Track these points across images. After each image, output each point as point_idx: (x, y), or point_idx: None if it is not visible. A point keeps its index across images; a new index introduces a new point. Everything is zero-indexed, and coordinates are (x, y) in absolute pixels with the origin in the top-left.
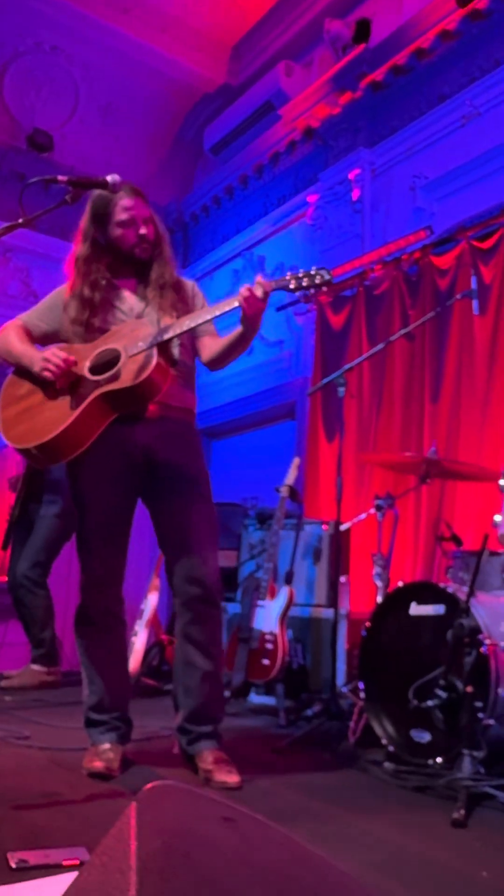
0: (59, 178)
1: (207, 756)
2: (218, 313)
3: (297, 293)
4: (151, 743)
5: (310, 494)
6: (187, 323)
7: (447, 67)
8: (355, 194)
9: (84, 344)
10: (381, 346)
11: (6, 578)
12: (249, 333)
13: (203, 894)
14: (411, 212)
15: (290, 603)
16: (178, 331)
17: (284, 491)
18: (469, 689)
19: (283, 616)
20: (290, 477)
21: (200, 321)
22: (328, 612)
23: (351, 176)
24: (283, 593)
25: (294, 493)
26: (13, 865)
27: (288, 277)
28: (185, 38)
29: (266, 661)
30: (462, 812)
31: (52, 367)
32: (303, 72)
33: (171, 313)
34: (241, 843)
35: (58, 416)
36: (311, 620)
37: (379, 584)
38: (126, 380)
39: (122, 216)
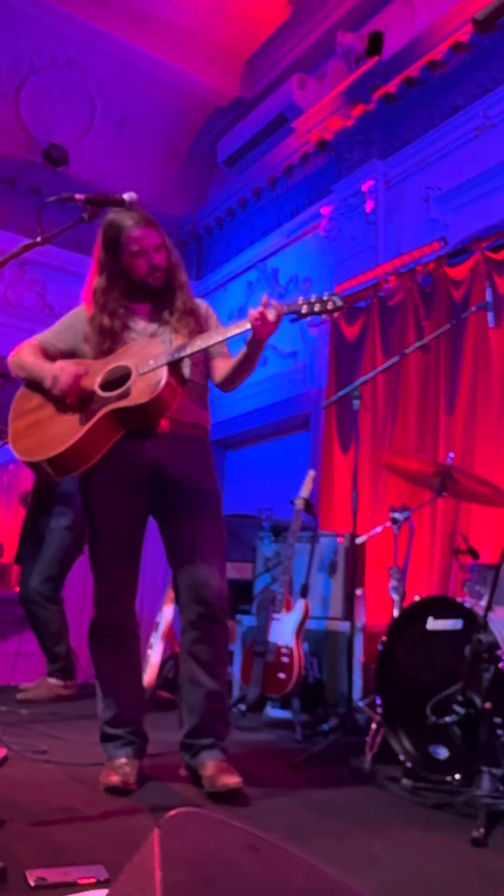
0: (77, 196)
1: (209, 764)
2: (230, 335)
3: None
4: (167, 758)
5: (325, 507)
6: (199, 343)
7: (460, 79)
8: (369, 206)
9: (96, 360)
10: (395, 358)
11: (18, 590)
12: (254, 355)
13: None
14: (425, 223)
15: (305, 616)
16: (191, 351)
17: (300, 503)
18: (488, 705)
19: (299, 629)
20: (305, 489)
21: (212, 343)
22: (344, 626)
23: (364, 188)
24: (299, 606)
25: (309, 505)
26: (32, 884)
27: (300, 302)
28: (199, 52)
29: (282, 675)
30: (482, 830)
31: (63, 385)
32: (316, 84)
33: (184, 335)
34: (266, 870)
35: (67, 430)
36: (327, 634)
37: (395, 597)
38: (135, 398)
39: (132, 247)
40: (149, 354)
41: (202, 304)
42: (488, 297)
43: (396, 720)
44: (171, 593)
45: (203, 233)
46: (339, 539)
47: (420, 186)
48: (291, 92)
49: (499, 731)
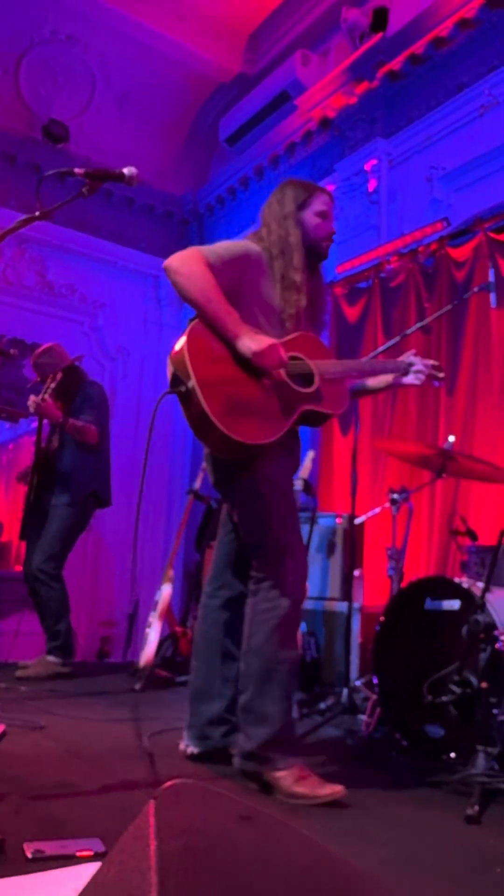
0: (76, 170)
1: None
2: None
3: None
4: (167, 735)
5: (324, 488)
6: (367, 368)
7: (466, 56)
8: (371, 185)
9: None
10: (396, 339)
11: (20, 568)
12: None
13: (225, 894)
14: (428, 203)
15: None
16: (359, 374)
17: (299, 484)
18: (484, 684)
19: None
20: (305, 470)
21: (375, 374)
22: (342, 606)
23: (367, 167)
24: None
25: (308, 486)
26: (29, 856)
27: (434, 364)
28: (201, 27)
29: None
30: (476, 808)
31: (266, 366)
32: (319, 61)
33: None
34: (260, 841)
35: (270, 418)
36: (325, 613)
37: (393, 577)
38: (329, 406)
39: (322, 207)
40: (322, 357)
41: None
42: (491, 277)
43: (393, 699)
44: (169, 572)
45: (204, 211)
46: (337, 520)
47: (423, 166)
48: (294, 68)
49: (494, 711)
